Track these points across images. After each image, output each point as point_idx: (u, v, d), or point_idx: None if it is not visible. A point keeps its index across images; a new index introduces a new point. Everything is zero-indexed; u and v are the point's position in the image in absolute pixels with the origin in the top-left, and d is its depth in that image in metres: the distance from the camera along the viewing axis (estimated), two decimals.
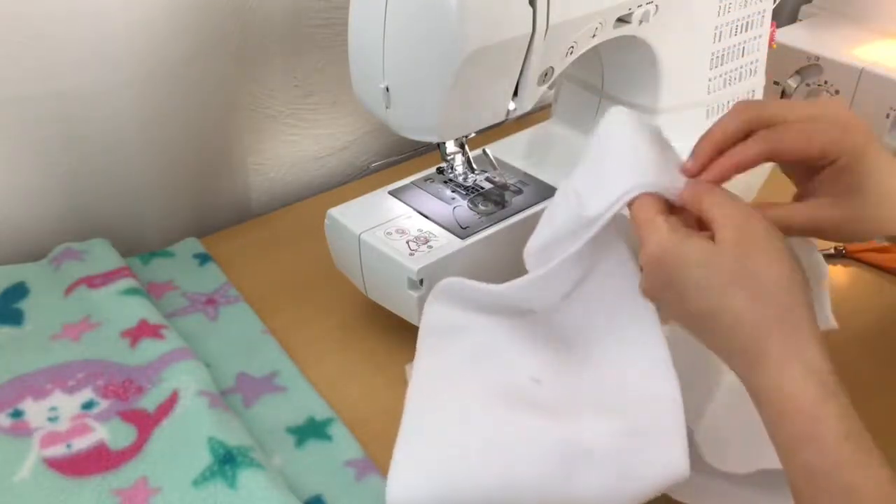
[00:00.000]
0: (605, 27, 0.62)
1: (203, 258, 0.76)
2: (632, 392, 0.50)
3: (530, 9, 0.55)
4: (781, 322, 0.42)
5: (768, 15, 0.75)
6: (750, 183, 0.76)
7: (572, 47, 0.61)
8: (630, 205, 0.49)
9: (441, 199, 0.68)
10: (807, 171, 0.51)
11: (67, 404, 0.58)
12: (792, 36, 1.02)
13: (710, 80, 0.73)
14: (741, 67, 0.75)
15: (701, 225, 0.47)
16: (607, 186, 0.50)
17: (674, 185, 0.49)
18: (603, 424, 0.49)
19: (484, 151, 0.71)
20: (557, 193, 0.55)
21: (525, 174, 0.72)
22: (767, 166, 0.75)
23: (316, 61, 0.84)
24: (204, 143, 0.80)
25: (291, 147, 0.88)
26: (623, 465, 0.47)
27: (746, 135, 0.50)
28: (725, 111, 0.52)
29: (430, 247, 0.62)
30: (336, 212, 0.66)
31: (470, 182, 0.69)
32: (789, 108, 0.50)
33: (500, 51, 0.56)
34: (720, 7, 0.69)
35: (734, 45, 0.73)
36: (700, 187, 0.49)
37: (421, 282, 0.60)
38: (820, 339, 0.42)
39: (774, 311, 0.43)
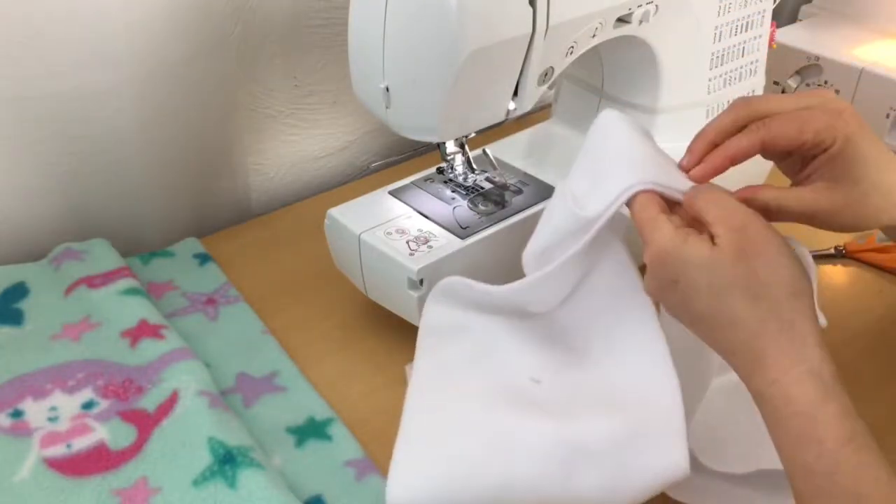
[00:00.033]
0: (605, 27, 0.62)
1: (203, 258, 0.76)
2: (631, 391, 0.50)
3: (530, 9, 0.55)
4: (782, 323, 0.42)
5: (768, 15, 0.75)
6: (748, 184, 0.76)
7: (572, 47, 0.61)
8: (629, 204, 0.49)
9: (441, 199, 0.68)
10: (801, 163, 0.51)
11: (67, 404, 0.58)
12: (792, 36, 1.02)
13: (710, 80, 0.73)
14: (741, 67, 0.75)
15: (700, 223, 0.47)
16: (605, 186, 0.50)
17: (672, 183, 0.49)
18: (603, 424, 0.49)
19: (484, 151, 0.71)
20: (554, 196, 0.55)
21: (525, 174, 0.72)
22: (766, 166, 0.75)
23: (316, 61, 0.84)
24: (204, 143, 0.80)
25: (291, 147, 0.88)
26: (623, 464, 0.47)
27: (741, 130, 0.50)
28: None
29: (430, 247, 0.62)
30: (336, 212, 0.66)
31: (470, 182, 0.69)
32: (783, 102, 0.51)
33: (500, 51, 0.56)
34: (720, 7, 0.69)
35: (734, 45, 0.73)
36: (697, 188, 0.49)
37: (421, 282, 0.60)
38: (821, 341, 0.42)
39: (775, 313, 0.43)
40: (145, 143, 0.74)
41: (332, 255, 0.68)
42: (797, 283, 0.44)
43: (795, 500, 0.41)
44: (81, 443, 0.55)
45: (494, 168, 0.70)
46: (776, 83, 1.00)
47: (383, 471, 0.54)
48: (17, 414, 0.57)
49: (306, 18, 0.81)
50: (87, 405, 0.58)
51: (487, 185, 0.69)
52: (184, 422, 0.56)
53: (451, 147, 0.66)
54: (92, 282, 0.68)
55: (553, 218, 0.54)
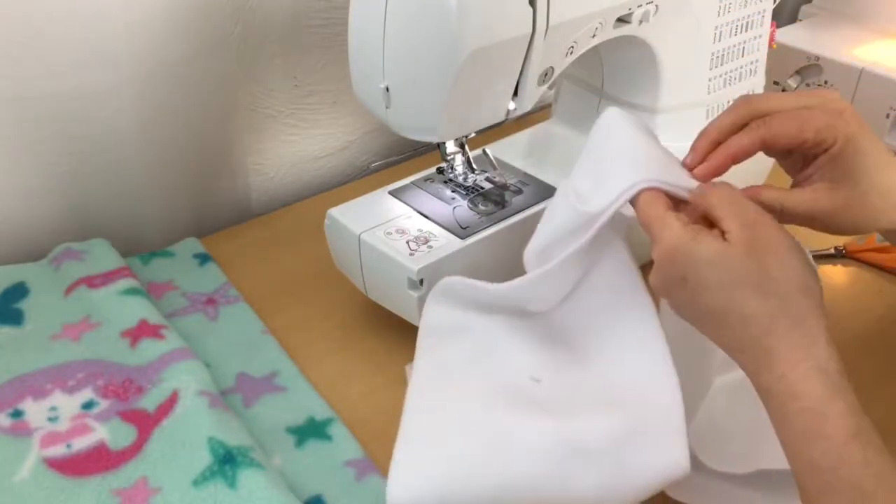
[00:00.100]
0: (605, 27, 0.62)
1: (203, 258, 0.76)
2: (631, 390, 0.50)
3: (530, 9, 0.55)
4: (792, 319, 0.43)
5: (768, 15, 0.75)
6: (749, 182, 0.76)
7: (572, 47, 0.61)
8: (633, 202, 0.49)
9: (441, 199, 0.68)
10: (803, 162, 0.51)
11: (67, 404, 0.58)
12: (792, 36, 1.02)
13: (710, 80, 0.73)
14: (741, 67, 0.75)
15: (706, 221, 0.48)
16: (608, 184, 0.50)
17: (677, 181, 0.49)
18: (602, 422, 0.49)
19: (484, 151, 0.71)
20: (557, 194, 0.55)
21: (525, 174, 0.72)
22: (768, 165, 0.75)
23: (316, 61, 0.84)
24: (204, 143, 0.80)
25: (291, 147, 0.88)
26: (623, 462, 0.47)
27: (742, 128, 0.50)
28: None
29: (430, 247, 0.62)
30: (336, 212, 0.66)
31: (470, 182, 0.69)
32: (784, 100, 0.51)
33: (500, 51, 0.56)
34: (720, 7, 0.69)
35: (734, 45, 0.73)
36: (708, 185, 0.49)
37: (421, 282, 0.60)
38: (829, 338, 0.42)
39: (785, 309, 0.43)
40: (145, 143, 0.74)
41: (332, 255, 0.68)
42: (807, 280, 0.44)
43: (801, 497, 0.41)
44: (81, 443, 0.55)
45: (494, 168, 0.70)
46: (776, 83, 1.00)
47: (383, 471, 0.54)
48: (17, 414, 0.57)
49: (306, 18, 0.81)
50: (87, 405, 0.58)
51: (487, 185, 0.69)
52: (184, 422, 0.56)
53: (451, 147, 0.66)
54: (92, 282, 0.68)
55: (555, 217, 0.54)
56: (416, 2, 0.53)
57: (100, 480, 0.53)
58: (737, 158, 0.50)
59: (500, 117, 0.62)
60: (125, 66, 0.69)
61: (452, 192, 0.68)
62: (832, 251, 0.78)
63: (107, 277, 0.68)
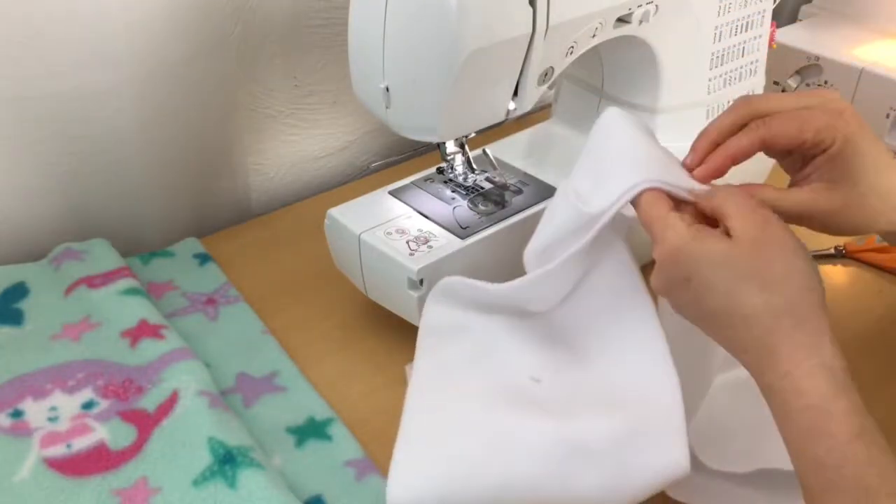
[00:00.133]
0: (605, 27, 0.62)
1: (203, 258, 0.76)
2: (631, 390, 0.50)
3: (530, 9, 0.55)
4: (796, 317, 0.43)
5: (768, 15, 0.75)
6: (750, 182, 0.76)
7: (572, 47, 0.61)
8: (635, 202, 0.49)
9: (441, 199, 0.68)
10: (802, 162, 0.51)
11: (67, 404, 0.58)
12: (792, 36, 1.02)
13: (710, 80, 0.73)
14: (741, 67, 0.75)
15: (708, 221, 0.48)
16: (608, 185, 0.50)
17: (678, 181, 0.49)
18: (603, 422, 0.49)
19: (484, 151, 0.71)
20: (557, 194, 0.55)
21: (525, 174, 0.72)
22: (767, 165, 0.75)
23: (316, 61, 0.84)
24: (204, 143, 0.80)
25: (291, 147, 0.88)
26: (623, 463, 0.47)
27: (742, 129, 0.50)
28: None
29: (430, 247, 0.62)
30: (336, 212, 0.66)
31: (470, 182, 0.69)
32: (784, 101, 0.51)
33: (500, 51, 0.56)
34: (720, 7, 0.69)
35: (734, 45, 0.73)
36: (715, 186, 0.49)
37: (421, 282, 0.60)
38: (833, 337, 0.42)
39: (790, 307, 0.43)
40: (145, 143, 0.74)
41: (332, 255, 0.68)
42: (812, 278, 0.44)
43: (804, 494, 0.41)
44: (81, 443, 0.55)
45: (494, 168, 0.70)
46: (776, 83, 1.00)
47: (383, 471, 0.54)
48: (17, 414, 0.57)
49: (306, 18, 0.81)
50: (87, 405, 0.58)
51: (487, 185, 0.69)
52: (184, 422, 0.56)
53: (451, 147, 0.66)
54: (92, 282, 0.68)
55: (555, 217, 0.54)
56: (416, 2, 0.53)
57: (100, 480, 0.53)
58: (736, 159, 0.50)
59: (500, 117, 0.62)
60: (125, 66, 0.69)
61: (452, 192, 0.68)
62: (832, 251, 0.79)
63: (107, 277, 0.68)
